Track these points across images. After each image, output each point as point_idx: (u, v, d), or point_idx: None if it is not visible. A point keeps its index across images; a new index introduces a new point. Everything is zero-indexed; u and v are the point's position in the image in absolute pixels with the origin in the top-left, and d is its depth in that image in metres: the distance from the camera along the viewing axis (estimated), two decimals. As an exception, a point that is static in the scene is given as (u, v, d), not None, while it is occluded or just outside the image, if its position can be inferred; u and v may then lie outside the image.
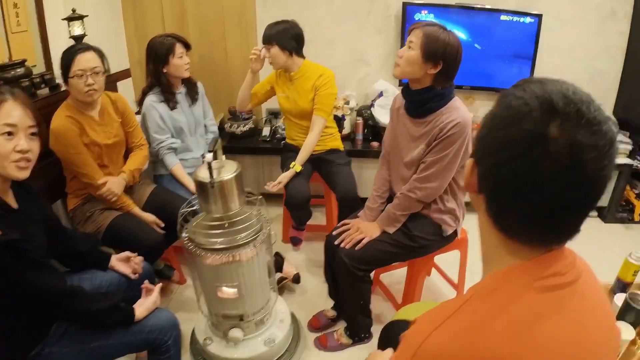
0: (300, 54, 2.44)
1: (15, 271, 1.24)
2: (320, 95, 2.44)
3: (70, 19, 2.32)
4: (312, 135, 2.47)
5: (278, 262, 2.49)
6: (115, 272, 1.73)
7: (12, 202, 1.38)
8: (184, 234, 1.75)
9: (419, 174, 1.82)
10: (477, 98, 3.19)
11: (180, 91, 2.42)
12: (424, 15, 2.95)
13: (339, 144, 2.67)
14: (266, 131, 3.12)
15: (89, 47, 1.93)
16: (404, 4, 2.94)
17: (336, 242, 1.95)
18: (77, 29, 2.33)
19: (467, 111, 1.77)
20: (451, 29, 1.72)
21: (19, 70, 2.08)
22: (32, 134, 1.32)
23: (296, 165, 2.44)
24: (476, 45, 3.01)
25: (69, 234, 1.67)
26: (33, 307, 1.34)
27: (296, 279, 2.47)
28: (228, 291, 1.79)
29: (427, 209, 1.91)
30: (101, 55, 1.98)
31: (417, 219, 1.91)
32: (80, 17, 2.34)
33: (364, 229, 1.92)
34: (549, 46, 3.03)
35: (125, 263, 1.77)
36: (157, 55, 2.24)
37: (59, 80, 2.16)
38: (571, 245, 0.69)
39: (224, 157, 1.82)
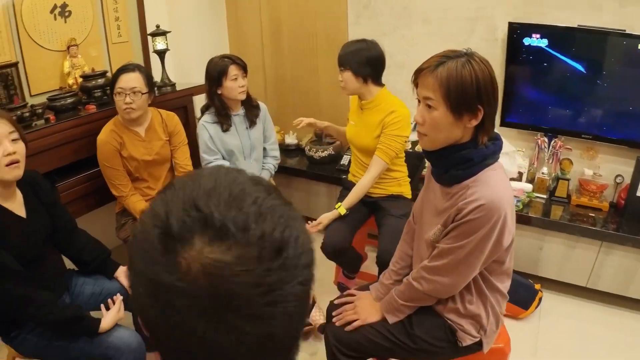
0: (377, 81, 2.14)
1: None
2: (386, 135, 2.11)
3: (153, 35, 2.45)
4: (367, 177, 2.17)
5: (307, 306, 2.26)
6: (118, 283, 1.80)
7: (20, 209, 1.53)
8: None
9: (430, 261, 1.42)
10: (601, 152, 2.43)
11: (238, 113, 2.36)
12: (535, 41, 2.33)
13: (404, 191, 2.30)
14: (345, 160, 2.88)
15: (135, 68, 2.00)
16: (511, 26, 2.38)
17: (333, 313, 1.66)
18: (159, 44, 2.45)
19: (505, 186, 1.30)
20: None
21: (99, 80, 2.27)
22: (14, 139, 1.46)
23: (341, 207, 2.18)
24: (602, 82, 2.26)
25: (77, 243, 1.77)
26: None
27: (322, 329, 2.22)
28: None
29: (440, 305, 1.49)
30: (147, 77, 2.03)
31: (425, 315, 1.50)
32: (164, 33, 2.46)
33: (360, 309, 1.59)
34: None
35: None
36: (211, 76, 2.22)
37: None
38: None
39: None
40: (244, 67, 2.26)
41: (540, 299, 2.33)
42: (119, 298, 1.67)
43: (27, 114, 1.90)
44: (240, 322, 0.43)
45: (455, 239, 1.32)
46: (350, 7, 2.76)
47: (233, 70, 2.20)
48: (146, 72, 2.06)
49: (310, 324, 2.20)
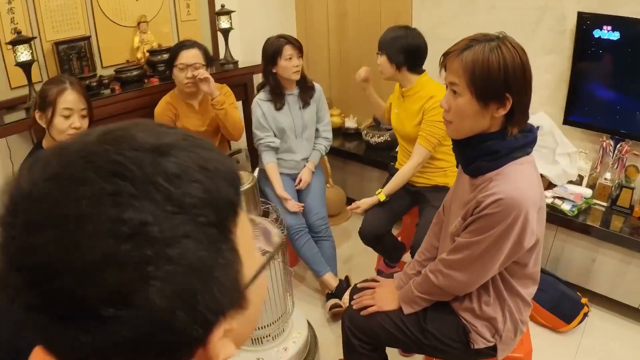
0: (414, 69, 2.08)
1: None
2: (426, 121, 2.05)
3: (218, 14, 2.54)
4: (408, 165, 2.11)
5: (342, 286, 2.28)
6: None
7: None
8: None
9: (447, 254, 1.36)
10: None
11: (292, 93, 2.39)
12: (607, 33, 2.07)
13: (450, 182, 2.20)
14: (400, 147, 2.81)
15: (194, 44, 2.10)
16: (580, 16, 2.13)
17: (354, 296, 1.66)
18: (223, 22, 2.55)
19: (531, 183, 1.21)
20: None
21: (164, 55, 2.41)
22: (83, 115, 1.65)
23: (381, 194, 2.15)
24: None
25: None
26: None
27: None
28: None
29: (457, 302, 1.43)
30: (205, 53, 2.13)
31: (441, 311, 1.45)
32: (228, 12, 2.54)
33: (378, 296, 1.57)
34: None
35: None
36: (267, 55, 2.26)
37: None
38: None
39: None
40: (299, 48, 2.28)
41: (585, 315, 2.12)
42: None
43: (95, 84, 2.08)
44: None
45: (472, 234, 1.26)
46: (416, -7, 2.66)
47: (288, 50, 2.23)
48: (204, 48, 2.16)
49: (341, 306, 2.21)
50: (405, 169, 2.12)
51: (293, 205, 2.33)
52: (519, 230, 1.18)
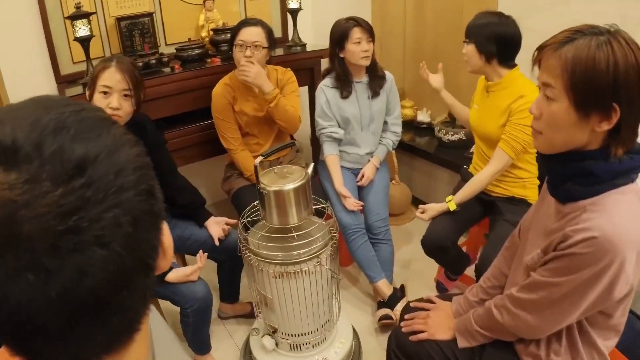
0: (505, 63, 1.80)
1: None
2: (512, 123, 1.78)
3: (286, -8, 2.40)
4: (485, 172, 1.86)
5: (395, 296, 2.09)
6: (206, 231, 1.88)
7: None
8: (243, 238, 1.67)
9: (518, 291, 1.14)
10: None
11: (361, 80, 2.20)
12: None
13: (529, 195, 1.92)
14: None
15: (257, 23, 1.99)
16: None
17: (406, 316, 1.48)
18: (292, 3, 2.40)
19: (634, 220, 0.96)
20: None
21: (228, 35, 2.31)
22: (125, 95, 1.56)
23: (451, 202, 1.92)
24: None
25: (174, 185, 1.86)
26: None
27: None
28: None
29: (521, 345, 1.20)
30: (268, 32, 2.00)
31: (500, 351, 1.23)
32: (297, -9, 2.39)
33: (432, 322, 1.38)
34: None
35: (219, 226, 1.89)
36: (334, 38, 2.09)
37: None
38: None
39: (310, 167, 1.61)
40: (369, 31, 2.08)
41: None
42: (203, 258, 1.71)
43: (154, 62, 2.02)
44: (37, 258, 0.34)
45: (553, 273, 1.02)
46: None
47: (357, 32, 2.05)
48: (268, 27, 2.03)
49: (392, 318, 2.03)
50: (482, 176, 1.87)
51: (352, 203, 2.16)
52: (611, 277, 0.94)
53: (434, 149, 2.71)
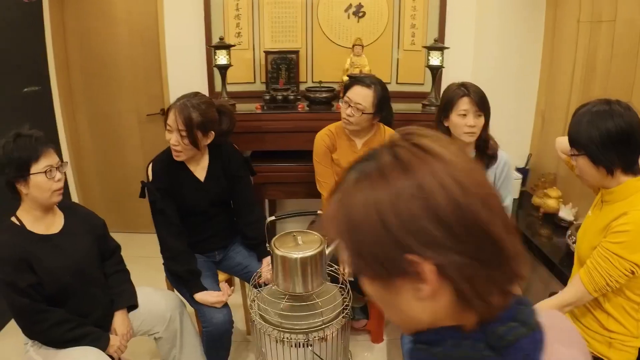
0: (629, 169, 1.38)
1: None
2: (601, 247, 1.37)
3: (429, 48, 2.32)
4: (551, 300, 1.48)
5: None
6: (258, 267, 1.94)
7: (201, 172, 1.89)
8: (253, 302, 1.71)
9: None
10: None
11: (472, 152, 2.00)
12: None
13: (613, 357, 1.45)
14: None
15: (371, 84, 1.97)
16: None
17: None
18: (433, 59, 2.31)
19: None
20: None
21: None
22: (182, 135, 1.75)
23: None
24: None
25: (246, 216, 2.01)
26: None
27: None
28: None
29: None
30: (380, 98, 1.99)
31: None
32: (441, 49, 2.29)
33: None
34: None
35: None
36: (441, 103, 1.93)
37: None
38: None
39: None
40: (479, 104, 1.84)
41: None
42: (228, 291, 1.83)
43: (280, 97, 2.24)
44: None
45: None
46: None
47: (464, 103, 1.83)
48: (381, 92, 1.98)
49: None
50: (546, 304, 1.47)
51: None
52: None
53: (559, 259, 2.15)
